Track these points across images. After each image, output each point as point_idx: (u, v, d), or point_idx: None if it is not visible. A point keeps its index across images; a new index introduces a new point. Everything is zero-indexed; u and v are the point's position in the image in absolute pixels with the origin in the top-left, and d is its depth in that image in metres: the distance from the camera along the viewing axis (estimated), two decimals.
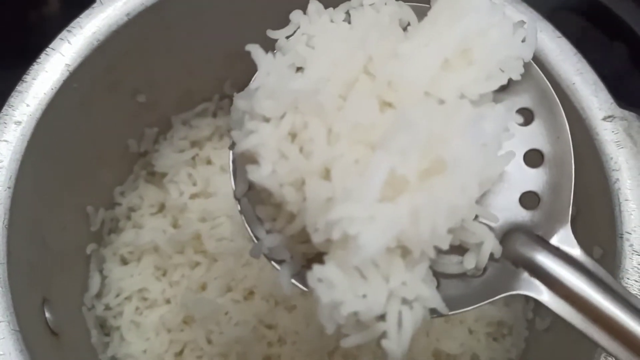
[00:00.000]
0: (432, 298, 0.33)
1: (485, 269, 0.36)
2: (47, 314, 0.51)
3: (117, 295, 0.64)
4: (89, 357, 0.60)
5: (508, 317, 0.63)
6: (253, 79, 0.36)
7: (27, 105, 0.49)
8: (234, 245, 0.63)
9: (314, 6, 0.38)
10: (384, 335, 0.32)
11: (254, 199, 0.37)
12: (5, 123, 0.48)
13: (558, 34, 0.52)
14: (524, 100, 0.38)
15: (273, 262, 0.36)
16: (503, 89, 0.38)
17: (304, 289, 0.34)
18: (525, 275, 0.35)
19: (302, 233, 0.33)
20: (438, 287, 0.35)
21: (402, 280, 0.32)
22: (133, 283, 0.64)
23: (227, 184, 0.39)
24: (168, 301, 0.64)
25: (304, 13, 0.38)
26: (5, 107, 0.49)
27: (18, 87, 0.50)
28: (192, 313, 0.61)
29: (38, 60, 0.51)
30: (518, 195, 0.38)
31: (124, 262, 0.66)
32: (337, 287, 0.30)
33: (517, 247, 0.36)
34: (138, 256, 0.66)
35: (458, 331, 0.62)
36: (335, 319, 0.30)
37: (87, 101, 0.54)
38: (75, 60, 0.51)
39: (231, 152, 0.38)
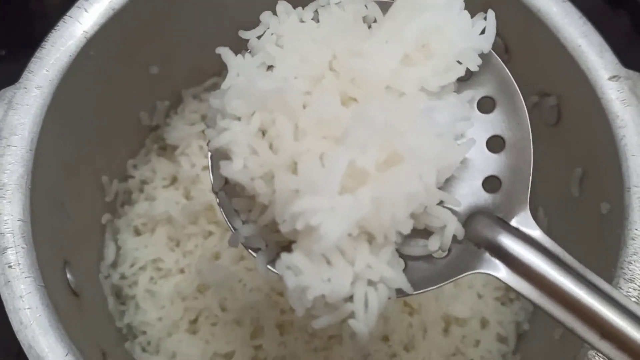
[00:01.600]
0: (397, 279, 0.35)
1: (449, 251, 0.38)
2: (69, 275, 0.52)
3: (132, 265, 0.66)
4: (108, 322, 0.62)
5: None
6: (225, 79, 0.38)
7: (47, 71, 0.50)
8: None
9: (282, 6, 0.40)
10: (352, 315, 0.34)
11: (230, 192, 0.39)
12: (25, 88, 0.50)
13: None
14: (486, 89, 0.40)
15: (250, 250, 0.39)
16: (466, 79, 0.40)
17: (279, 274, 0.37)
18: (487, 255, 0.37)
19: (274, 223, 0.35)
20: (405, 268, 0.38)
21: (367, 263, 0.34)
22: (147, 253, 0.66)
23: None
24: (182, 271, 0.65)
25: (274, 14, 0.40)
26: (25, 73, 0.50)
27: (37, 54, 0.51)
28: (207, 280, 0.63)
29: (56, 27, 0.52)
30: (481, 180, 0.39)
31: (138, 233, 0.68)
32: (303, 273, 0.32)
33: (479, 229, 0.38)
34: (152, 227, 0.67)
35: (467, 296, 0.64)
36: (304, 302, 0.33)
37: (103, 70, 0.56)
38: (92, 28, 0.52)
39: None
